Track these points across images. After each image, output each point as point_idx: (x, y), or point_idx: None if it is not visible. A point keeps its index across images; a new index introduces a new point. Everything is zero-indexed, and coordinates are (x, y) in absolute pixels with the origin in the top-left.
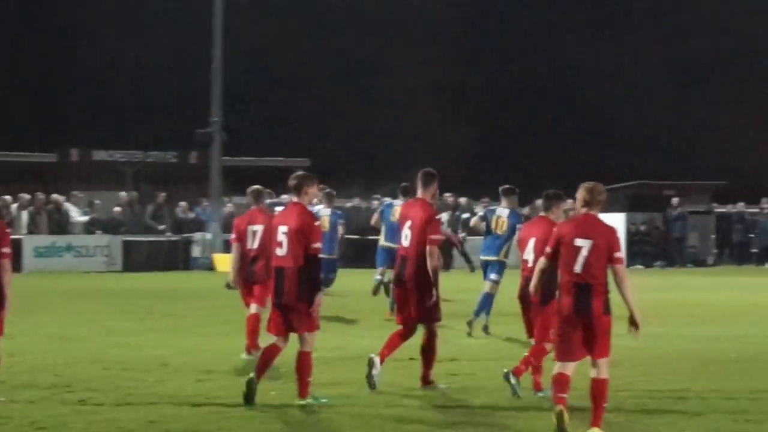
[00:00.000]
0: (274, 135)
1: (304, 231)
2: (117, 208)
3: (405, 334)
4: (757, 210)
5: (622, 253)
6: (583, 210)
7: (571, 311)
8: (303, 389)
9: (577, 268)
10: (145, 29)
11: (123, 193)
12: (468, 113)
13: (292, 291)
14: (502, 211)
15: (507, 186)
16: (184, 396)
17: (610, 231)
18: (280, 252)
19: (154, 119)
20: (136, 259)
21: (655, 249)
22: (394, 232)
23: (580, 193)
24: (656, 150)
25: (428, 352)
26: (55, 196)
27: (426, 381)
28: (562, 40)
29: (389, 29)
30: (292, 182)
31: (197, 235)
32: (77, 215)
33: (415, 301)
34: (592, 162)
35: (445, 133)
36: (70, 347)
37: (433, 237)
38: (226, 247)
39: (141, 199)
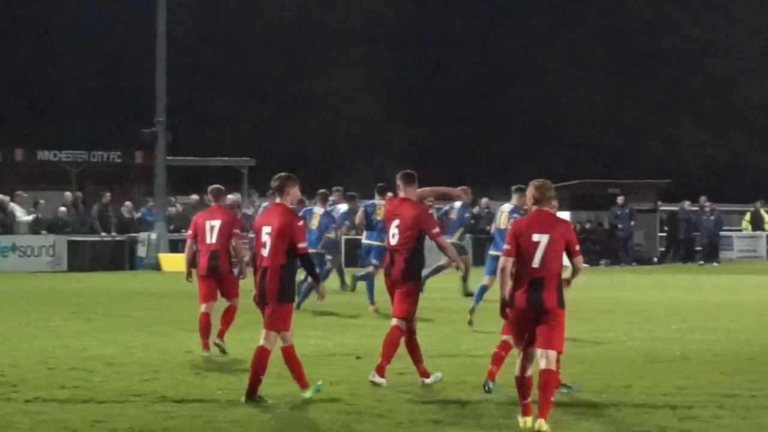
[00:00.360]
0: (217, 135)
1: (287, 231)
2: (62, 208)
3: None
4: (697, 208)
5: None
6: (535, 207)
7: (525, 304)
8: (252, 390)
9: (535, 262)
10: (89, 29)
11: (68, 193)
12: (408, 114)
13: (272, 291)
14: (506, 207)
15: (519, 185)
16: (131, 395)
17: (566, 225)
18: (264, 252)
19: (99, 119)
20: (81, 259)
21: (599, 247)
22: (378, 231)
23: (530, 191)
24: (598, 150)
25: (390, 346)
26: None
27: (381, 373)
28: (502, 39)
29: (328, 30)
30: (274, 183)
31: (143, 235)
32: (22, 215)
33: (398, 298)
34: (533, 161)
35: (385, 133)
36: (15, 347)
37: (434, 231)
38: (172, 247)
39: (86, 199)
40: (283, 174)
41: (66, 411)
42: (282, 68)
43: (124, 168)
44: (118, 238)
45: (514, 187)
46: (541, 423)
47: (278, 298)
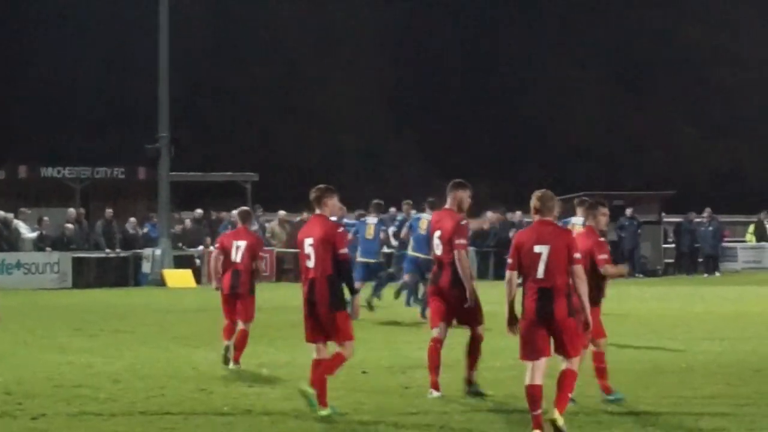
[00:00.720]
0: (217, 149)
1: (329, 239)
2: (69, 225)
3: (441, 340)
4: (699, 219)
5: (580, 254)
6: (537, 217)
7: (534, 315)
8: (316, 388)
9: (539, 273)
10: (91, 45)
11: (72, 210)
12: (411, 123)
13: (323, 301)
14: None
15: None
16: (136, 411)
17: (566, 234)
18: (309, 264)
19: (102, 135)
20: (86, 276)
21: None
22: (422, 243)
23: (532, 202)
24: (600, 159)
25: (472, 354)
26: (2, 213)
27: (469, 382)
28: (505, 48)
29: (329, 40)
30: (312, 195)
31: (147, 251)
32: (26, 232)
33: (455, 307)
34: (534, 171)
35: (389, 143)
36: (21, 364)
37: (458, 242)
38: (177, 263)
39: (90, 215)
40: (321, 186)
41: (72, 428)
42: (282, 80)
43: (128, 184)
44: (123, 254)
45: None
46: (555, 412)
47: (330, 307)
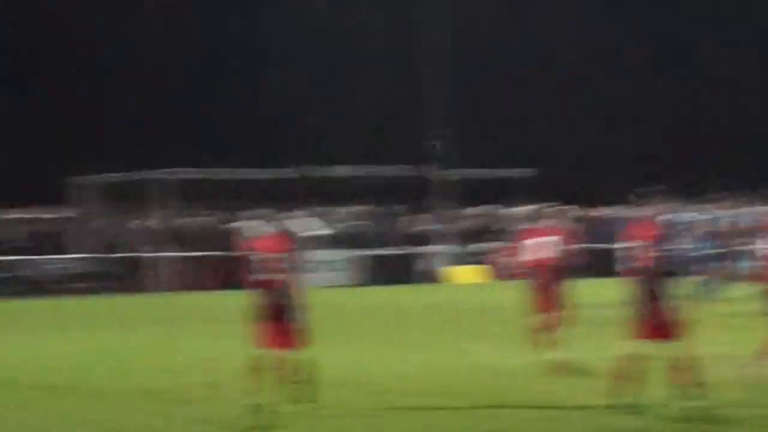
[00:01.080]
0: (502, 145)
1: (653, 237)
2: (356, 223)
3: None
4: None
5: None
6: None
7: None
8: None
9: None
10: (379, 44)
11: (361, 208)
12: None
13: (654, 298)
14: None
15: None
16: (433, 408)
17: None
18: (637, 263)
19: (389, 135)
20: (377, 273)
21: None
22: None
23: None
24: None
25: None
26: (295, 212)
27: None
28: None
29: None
30: (638, 194)
31: (435, 248)
32: (318, 230)
33: None
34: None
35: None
36: (329, 364)
37: None
38: (466, 260)
39: (378, 213)
40: (648, 187)
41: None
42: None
43: (415, 181)
44: (412, 251)
45: None
46: None
47: (661, 304)
